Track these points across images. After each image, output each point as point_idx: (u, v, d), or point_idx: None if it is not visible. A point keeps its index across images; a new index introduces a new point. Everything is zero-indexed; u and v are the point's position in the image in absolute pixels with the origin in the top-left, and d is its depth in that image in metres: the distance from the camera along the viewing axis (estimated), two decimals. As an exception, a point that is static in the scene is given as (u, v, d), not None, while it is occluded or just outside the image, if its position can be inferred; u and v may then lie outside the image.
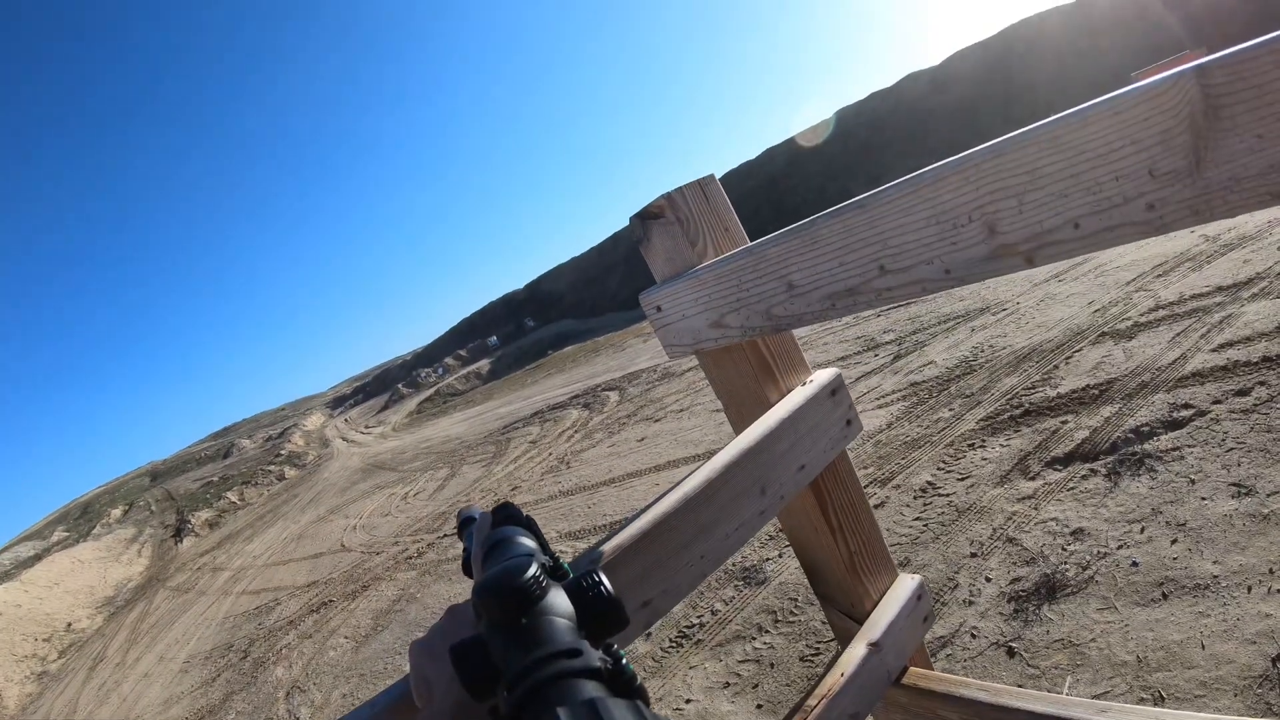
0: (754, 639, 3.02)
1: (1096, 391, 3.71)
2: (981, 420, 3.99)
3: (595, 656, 0.34)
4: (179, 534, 20.45)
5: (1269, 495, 2.44)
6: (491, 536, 0.52)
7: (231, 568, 12.45)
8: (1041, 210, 0.56)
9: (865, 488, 3.54)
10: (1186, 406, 3.19)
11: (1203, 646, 2.00)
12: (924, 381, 5.05)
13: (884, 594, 1.16)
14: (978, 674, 2.29)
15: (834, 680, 0.99)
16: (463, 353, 41.76)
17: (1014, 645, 2.33)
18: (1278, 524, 2.30)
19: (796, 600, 3.14)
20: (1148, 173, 0.49)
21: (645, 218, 1.05)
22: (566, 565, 0.47)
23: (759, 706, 2.64)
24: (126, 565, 19.29)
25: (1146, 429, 3.16)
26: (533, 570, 0.40)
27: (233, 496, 22.97)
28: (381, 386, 54.70)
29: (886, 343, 6.54)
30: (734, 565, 3.67)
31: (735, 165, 32.36)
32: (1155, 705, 1.88)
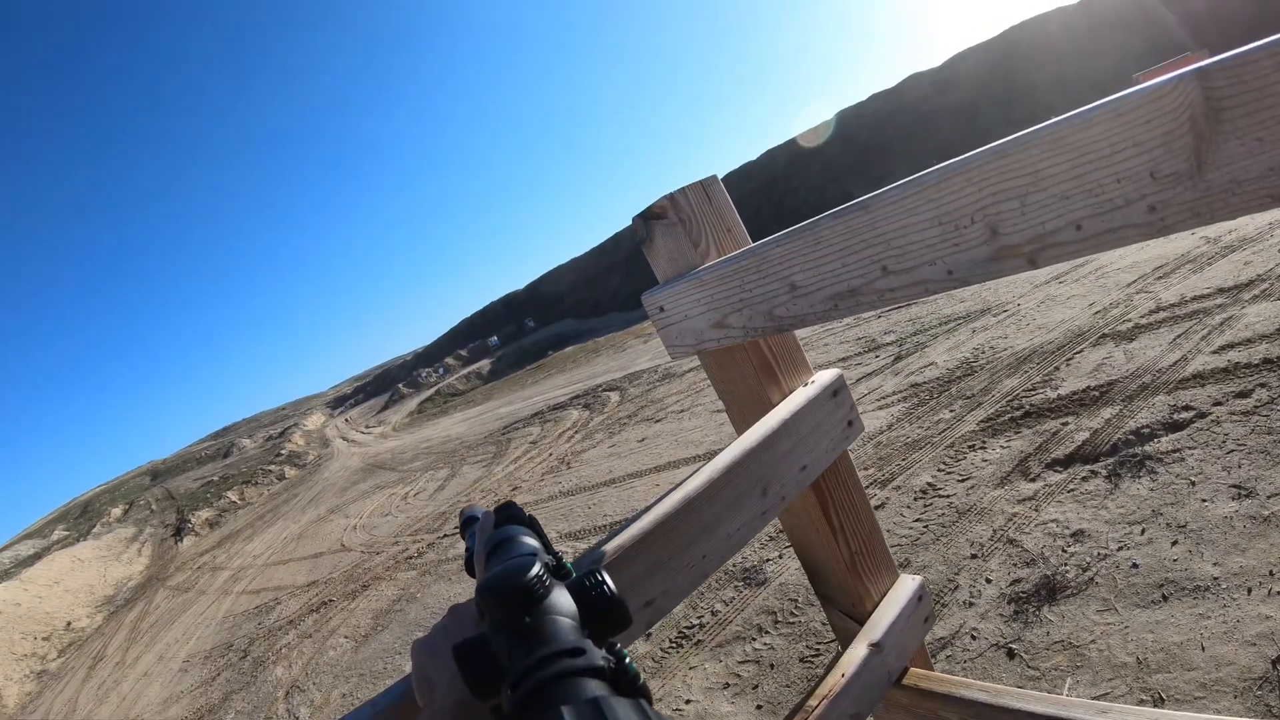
0: (754, 640, 3.02)
1: (1097, 393, 3.70)
2: (982, 421, 3.99)
3: (598, 655, 0.34)
4: (179, 533, 20.47)
5: (1269, 497, 2.44)
6: (494, 536, 0.52)
7: (231, 567, 12.45)
8: (1044, 212, 0.56)
9: (866, 488, 3.54)
10: (1187, 408, 3.19)
11: (1203, 648, 2.00)
12: (925, 382, 5.05)
13: (885, 595, 1.16)
14: (978, 675, 2.29)
15: (835, 681, 0.99)
16: (463, 353, 41.77)
17: (1014, 646, 2.33)
18: (1278, 526, 2.30)
19: (797, 601, 3.14)
20: (1149, 175, 0.49)
21: (648, 218, 1.05)
22: (569, 564, 0.47)
23: (759, 707, 2.64)
24: (126, 564, 19.30)
25: (1147, 431, 3.16)
26: (536, 569, 0.40)
27: (233, 496, 22.97)
28: (382, 386, 54.73)
29: (887, 344, 6.54)
30: (734, 566, 3.66)
31: (736, 166, 32.33)
32: (1155, 707, 1.88)
